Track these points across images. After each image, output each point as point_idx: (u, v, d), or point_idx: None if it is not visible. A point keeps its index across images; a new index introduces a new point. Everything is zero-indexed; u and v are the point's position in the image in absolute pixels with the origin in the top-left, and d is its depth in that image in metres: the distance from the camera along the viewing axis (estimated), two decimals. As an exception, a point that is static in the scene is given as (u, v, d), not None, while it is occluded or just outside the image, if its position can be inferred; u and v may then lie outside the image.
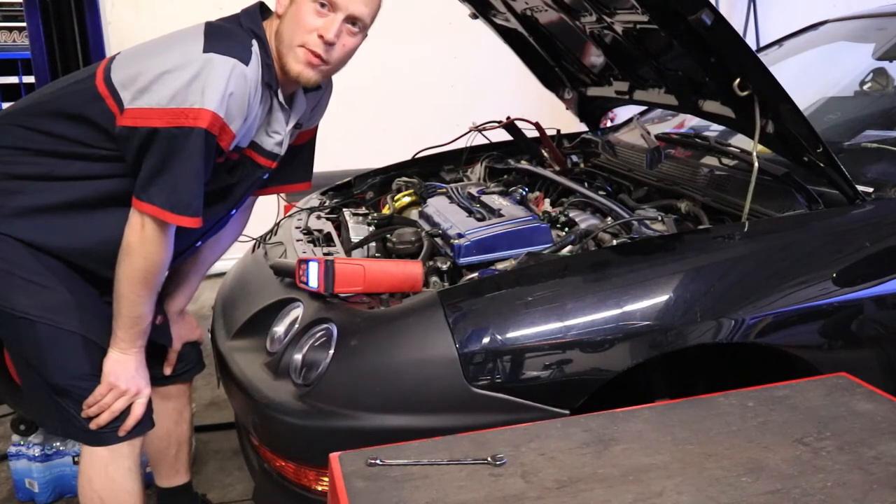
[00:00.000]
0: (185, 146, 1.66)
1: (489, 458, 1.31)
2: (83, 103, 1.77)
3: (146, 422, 1.92)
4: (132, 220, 1.74)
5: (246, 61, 1.70)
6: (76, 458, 2.63)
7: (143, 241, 1.74)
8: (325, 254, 2.28)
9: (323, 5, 1.75)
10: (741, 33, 4.63)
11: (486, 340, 1.67)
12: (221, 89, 1.65)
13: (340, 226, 2.55)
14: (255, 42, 1.76)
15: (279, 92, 1.84)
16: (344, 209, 2.70)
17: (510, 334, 1.68)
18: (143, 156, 1.70)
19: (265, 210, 3.16)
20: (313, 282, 1.87)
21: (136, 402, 1.87)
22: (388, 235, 2.27)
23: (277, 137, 1.90)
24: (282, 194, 2.54)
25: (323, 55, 1.77)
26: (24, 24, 3.79)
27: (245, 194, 2.00)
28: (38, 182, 1.80)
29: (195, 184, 1.70)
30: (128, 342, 1.83)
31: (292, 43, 1.77)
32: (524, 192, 2.48)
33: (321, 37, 1.75)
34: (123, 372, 1.83)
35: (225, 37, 1.74)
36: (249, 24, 1.81)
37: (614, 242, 2.04)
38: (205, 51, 1.68)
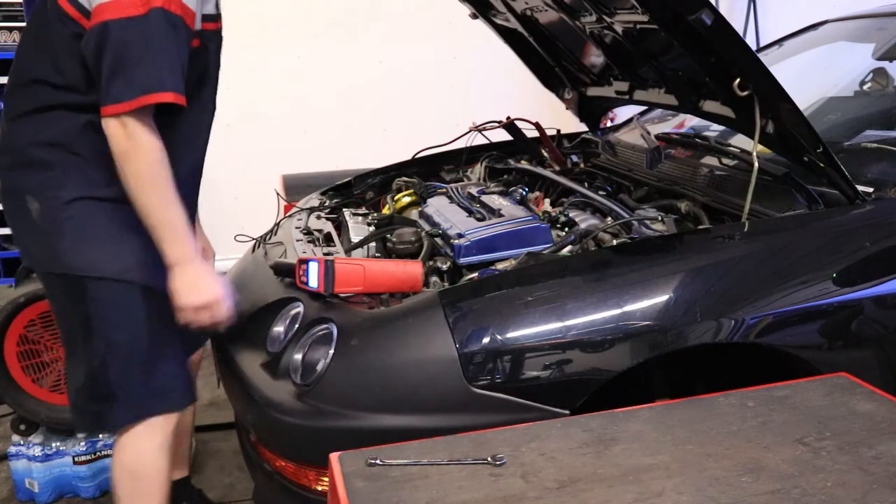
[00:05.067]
0: (145, 30, 1.65)
1: (489, 458, 1.31)
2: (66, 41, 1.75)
3: (188, 395, 1.93)
4: (110, 130, 1.70)
5: None
6: (76, 458, 2.64)
7: (134, 145, 1.70)
8: (325, 254, 2.28)
9: None
10: (741, 33, 4.63)
11: (486, 340, 1.67)
12: None
13: (340, 226, 2.55)
14: None
15: None
16: (344, 209, 2.70)
17: (510, 334, 1.68)
18: (101, 56, 1.67)
19: (265, 210, 3.18)
20: (313, 282, 1.87)
21: (218, 308, 1.85)
22: (388, 235, 2.27)
23: None
24: (282, 194, 2.53)
25: None
26: (24, 24, 3.79)
27: (219, 65, 1.99)
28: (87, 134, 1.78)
29: (165, 60, 1.68)
30: (178, 253, 1.78)
31: None
32: (524, 192, 2.48)
33: None
34: (189, 286, 1.80)
35: None
36: None
37: (614, 242, 2.04)
38: None
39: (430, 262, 2.09)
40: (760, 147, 2.01)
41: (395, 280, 1.88)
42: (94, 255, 1.78)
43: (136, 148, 1.70)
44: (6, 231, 4.51)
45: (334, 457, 1.33)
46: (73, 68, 1.75)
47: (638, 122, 2.93)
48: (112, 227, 1.81)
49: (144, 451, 1.90)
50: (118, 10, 1.64)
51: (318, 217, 2.62)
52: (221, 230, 2.70)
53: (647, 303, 1.73)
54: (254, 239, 2.55)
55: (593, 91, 2.97)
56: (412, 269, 1.90)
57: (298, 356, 1.81)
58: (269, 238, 2.51)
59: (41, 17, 1.81)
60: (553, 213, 2.29)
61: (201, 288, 1.81)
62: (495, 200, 2.35)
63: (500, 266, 2.01)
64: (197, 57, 1.83)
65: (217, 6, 1.92)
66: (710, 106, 2.23)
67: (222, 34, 1.96)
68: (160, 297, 1.83)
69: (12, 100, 1.85)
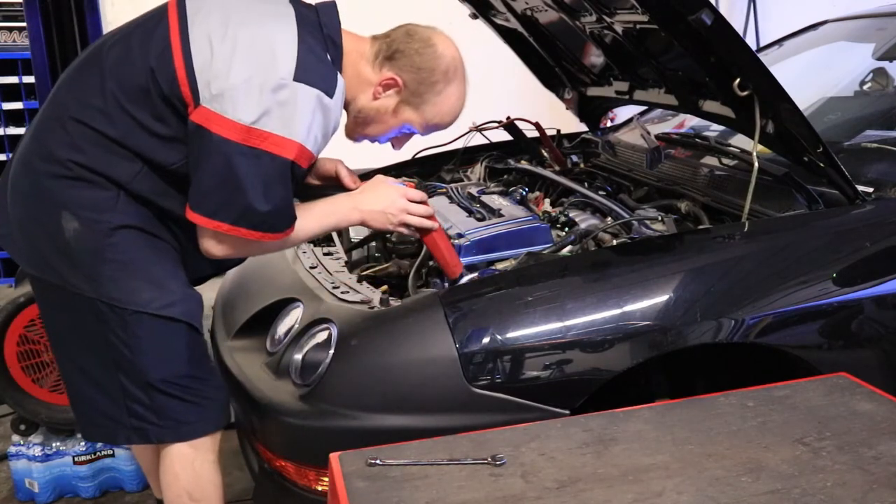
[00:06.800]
0: (270, 171, 1.63)
1: (489, 458, 1.31)
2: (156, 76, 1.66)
3: (228, 413, 1.90)
4: (212, 244, 1.72)
5: (331, 93, 1.67)
6: (76, 458, 2.64)
7: (246, 247, 1.75)
8: (324, 254, 2.28)
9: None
10: (741, 33, 4.62)
11: (486, 340, 1.67)
12: (308, 121, 1.64)
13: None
14: (329, 57, 1.73)
15: None
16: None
17: (510, 334, 1.68)
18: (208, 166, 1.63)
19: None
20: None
21: (411, 198, 1.87)
22: (389, 235, 2.27)
23: None
24: None
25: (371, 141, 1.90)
26: (24, 24, 3.80)
27: None
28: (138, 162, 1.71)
29: (283, 198, 1.68)
30: (353, 217, 1.85)
31: (357, 122, 1.87)
32: (524, 192, 2.48)
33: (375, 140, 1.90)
34: (382, 218, 1.84)
35: (316, 61, 1.67)
36: (330, 31, 1.76)
37: (614, 242, 2.04)
38: (296, 78, 1.62)
39: (431, 262, 2.09)
40: (760, 147, 2.01)
41: (450, 250, 1.91)
42: (137, 286, 1.72)
43: (250, 248, 1.76)
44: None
45: (334, 457, 1.33)
46: (159, 122, 1.68)
47: (638, 122, 2.93)
48: (155, 260, 1.76)
49: (201, 472, 1.87)
50: (246, 137, 1.60)
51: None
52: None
53: (647, 303, 1.73)
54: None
55: (593, 91, 2.97)
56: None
57: (298, 356, 1.81)
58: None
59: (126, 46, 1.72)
60: (553, 213, 2.29)
61: (386, 208, 1.84)
62: (495, 200, 2.35)
63: (500, 266, 2.01)
64: None
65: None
66: (710, 106, 2.23)
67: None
68: (197, 332, 1.82)
69: (74, 107, 1.71)
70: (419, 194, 1.88)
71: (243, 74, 1.61)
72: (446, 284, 1.97)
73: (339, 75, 1.71)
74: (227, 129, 1.60)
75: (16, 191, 1.77)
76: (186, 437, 1.83)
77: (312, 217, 1.80)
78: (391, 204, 1.84)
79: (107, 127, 1.67)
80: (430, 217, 1.88)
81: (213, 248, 1.72)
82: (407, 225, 1.86)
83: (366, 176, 2.94)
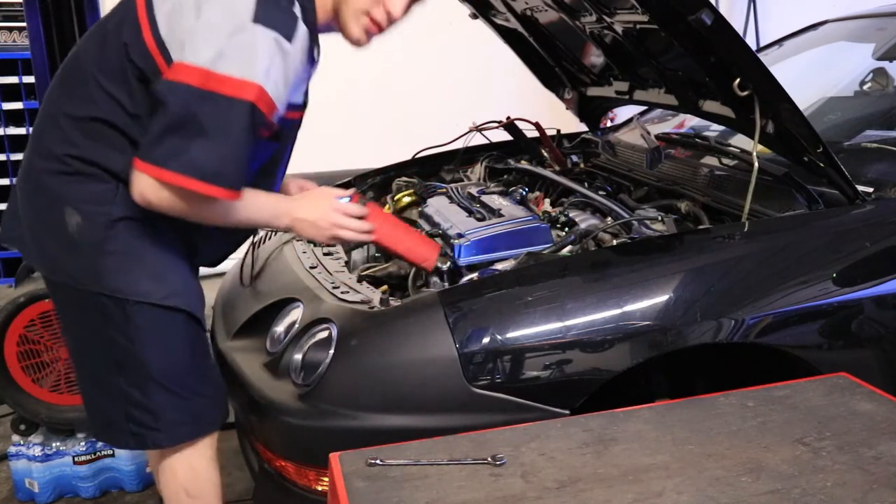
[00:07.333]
0: (225, 115, 1.59)
1: (489, 458, 1.31)
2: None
3: (224, 411, 1.90)
4: (147, 193, 1.62)
5: (290, 37, 1.64)
6: (76, 458, 2.64)
7: (183, 207, 1.64)
8: (324, 254, 2.28)
9: None
10: (741, 33, 4.62)
11: (486, 340, 1.67)
12: (266, 64, 1.60)
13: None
14: (298, 9, 1.69)
15: (315, 50, 1.79)
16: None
17: (510, 334, 1.68)
18: (164, 111, 1.59)
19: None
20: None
21: (346, 212, 1.83)
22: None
23: (304, 86, 1.85)
24: None
25: (384, 27, 1.79)
26: (24, 24, 3.79)
27: (292, 150, 1.96)
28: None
29: (233, 153, 1.62)
30: (283, 220, 1.80)
31: (360, 10, 1.75)
32: (524, 192, 2.48)
33: (389, 13, 1.76)
34: (313, 229, 1.81)
35: (274, 6, 1.64)
36: None
37: (614, 242, 2.04)
38: (254, 20, 1.59)
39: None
40: (760, 147, 2.01)
41: (416, 242, 1.91)
42: (137, 277, 1.73)
43: (188, 209, 1.65)
44: (6, 231, 4.51)
45: (334, 457, 1.33)
46: (135, 100, 1.68)
47: (638, 122, 2.93)
48: (157, 250, 1.75)
49: (199, 471, 1.88)
50: (205, 80, 1.57)
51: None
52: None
53: (647, 303, 1.73)
54: (254, 238, 2.54)
55: (593, 91, 2.97)
56: (431, 245, 1.93)
57: (298, 356, 1.81)
58: (270, 238, 2.51)
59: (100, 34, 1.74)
60: (553, 213, 2.29)
61: (319, 219, 1.80)
62: (495, 200, 2.35)
63: (500, 266, 2.01)
64: (264, 146, 1.78)
65: (306, 94, 1.87)
66: (710, 106, 2.23)
67: (300, 119, 1.90)
68: (199, 324, 1.82)
69: (62, 101, 1.75)
70: (358, 209, 1.85)
71: (202, 19, 1.61)
72: (446, 284, 1.98)
73: (300, 23, 1.68)
74: (186, 74, 1.59)
75: (23, 193, 1.80)
76: (183, 440, 1.84)
77: (248, 203, 1.72)
78: (322, 217, 1.81)
79: (93, 111, 1.69)
80: (368, 232, 1.87)
81: (151, 197, 1.63)
82: (339, 238, 1.84)
83: (368, 175, 2.96)
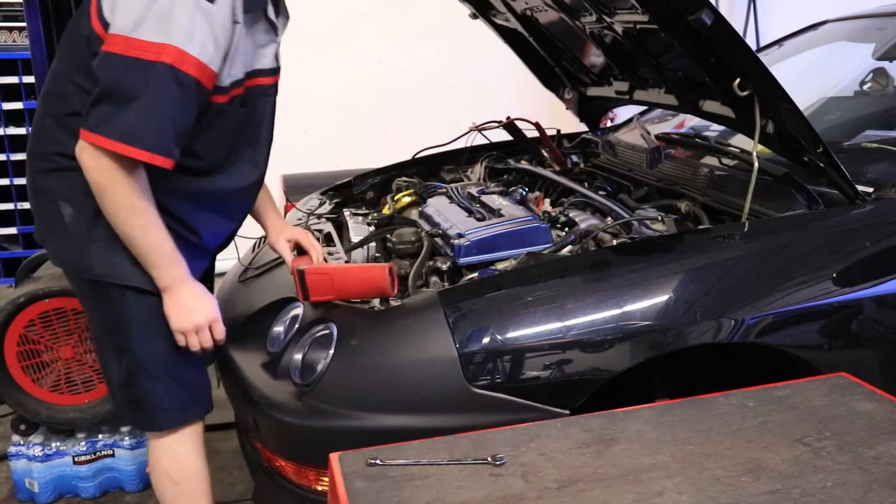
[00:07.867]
0: (146, 80, 1.61)
1: (489, 458, 1.31)
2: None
3: (208, 403, 1.95)
4: (85, 160, 1.65)
5: None
6: (76, 458, 2.64)
7: (109, 178, 1.65)
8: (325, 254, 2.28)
9: None
10: (741, 33, 4.63)
11: (486, 340, 1.67)
12: (186, 26, 1.61)
13: (341, 226, 2.55)
14: None
15: (269, 8, 1.80)
16: (344, 209, 2.70)
17: (510, 334, 1.68)
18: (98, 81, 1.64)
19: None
20: (298, 291, 1.92)
21: (214, 328, 1.83)
22: (388, 235, 2.27)
23: (272, 49, 1.86)
24: (281, 194, 2.53)
25: None
26: (24, 24, 3.79)
27: (274, 118, 1.96)
28: None
29: (154, 118, 1.63)
30: (167, 277, 1.76)
31: None
32: (524, 192, 2.48)
33: None
34: (182, 310, 1.78)
35: None
36: None
37: (614, 242, 2.04)
38: None
39: (430, 262, 2.09)
40: (760, 147, 2.01)
41: (361, 284, 1.86)
42: (120, 262, 1.76)
43: (112, 182, 1.65)
44: (6, 231, 4.51)
45: (334, 457, 1.33)
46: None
47: (638, 122, 2.93)
48: None
49: (180, 456, 1.93)
50: (126, 48, 1.61)
51: (319, 217, 2.62)
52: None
53: (647, 303, 1.73)
54: (254, 239, 2.55)
55: (593, 91, 2.97)
56: (377, 273, 1.83)
57: (298, 356, 1.81)
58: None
59: (75, 27, 1.79)
60: (553, 213, 2.29)
61: (195, 310, 1.79)
62: (495, 200, 2.35)
63: (500, 266, 2.01)
64: (231, 115, 1.78)
65: (276, 58, 1.87)
66: (710, 106, 2.23)
67: (278, 86, 1.90)
68: None
69: (46, 103, 1.83)
70: (219, 331, 1.84)
71: None
72: (446, 284, 1.98)
73: None
74: (111, 44, 1.63)
75: (28, 195, 1.90)
76: (167, 426, 1.90)
77: (157, 233, 1.73)
78: (194, 312, 1.79)
79: (69, 106, 1.76)
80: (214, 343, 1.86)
81: (90, 164, 1.65)
82: (184, 335, 1.81)
83: (368, 175, 2.96)
